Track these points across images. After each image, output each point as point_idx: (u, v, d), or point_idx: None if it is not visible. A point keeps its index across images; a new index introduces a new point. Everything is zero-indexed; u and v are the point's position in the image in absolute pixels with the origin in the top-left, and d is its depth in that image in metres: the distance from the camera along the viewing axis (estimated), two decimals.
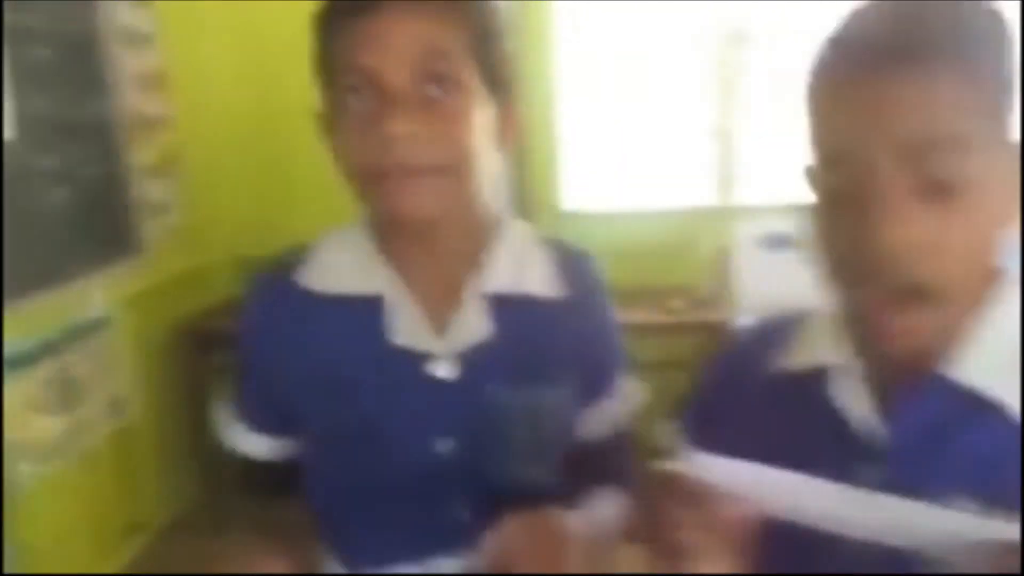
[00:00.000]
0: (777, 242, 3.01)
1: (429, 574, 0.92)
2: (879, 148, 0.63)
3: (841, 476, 0.66)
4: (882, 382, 0.72)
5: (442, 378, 0.88)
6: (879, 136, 0.63)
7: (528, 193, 2.77)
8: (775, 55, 3.21)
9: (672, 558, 0.64)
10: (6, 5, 2.26)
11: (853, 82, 0.64)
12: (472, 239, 0.92)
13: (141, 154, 2.95)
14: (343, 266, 0.92)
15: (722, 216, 3.31)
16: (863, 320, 0.68)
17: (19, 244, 2.30)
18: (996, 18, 0.66)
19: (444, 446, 0.89)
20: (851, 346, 0.74)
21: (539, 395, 0.91)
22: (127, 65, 2.86)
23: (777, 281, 2.42)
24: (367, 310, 0.89)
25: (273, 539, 0.90)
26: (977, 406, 0.68)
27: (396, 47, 0.78)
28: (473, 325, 0.89)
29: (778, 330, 0.83)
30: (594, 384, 0.97)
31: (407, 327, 0.89)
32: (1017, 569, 0.56)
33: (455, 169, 0.82)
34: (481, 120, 0.83)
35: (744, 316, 2.95)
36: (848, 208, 0.65)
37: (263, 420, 0.96)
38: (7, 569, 2.19)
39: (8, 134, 2.28)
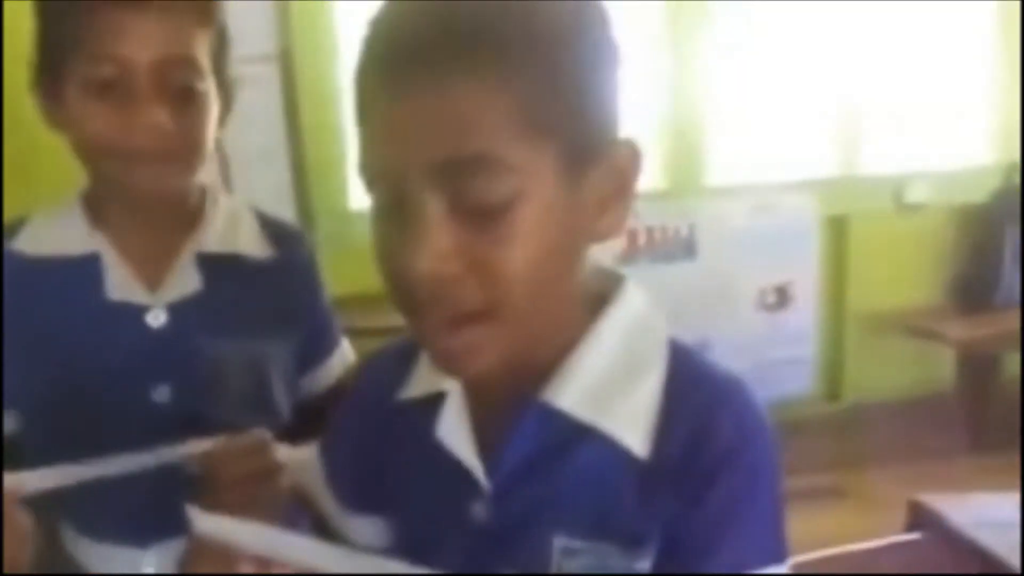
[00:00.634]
0: None
1: None
2: (407, 169, 0.57)
3: (459, 517, 0.67)
4: (488, 412, 0.68)
5: (155, 328, 0.95)
6: (405, 156, 0.57)
7: (309, 193, 2.77)
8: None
9: None
10: None
11: (376, 91, 0.58)
12: (188, 208, 1.01)
13: None
14: (60, 229, 0.98)
15: None
16: (421, 342, 0.65)
17: None
18: (567, 15, 0.59)
19: (160, 394, 0.95)
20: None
21: (248, 346, 0.99)
22: None
23: None
24: (84, 270, 0.95)
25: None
26: (577, 435, 0.65)
27: (149, 41, 0.86)
28: (184, 279, 0.97)
29: (403, 355, 0.76)
30: (311, 343, 1.08)
31: (121, 282, 0.95)
32: None
33: (188, 157, 0.93)
34: (213, 114, 0.94)
35: None
36: (391, 228, 0.60)
37: None
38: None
39: None
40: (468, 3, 0.56)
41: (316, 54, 2.66)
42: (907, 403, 3.08)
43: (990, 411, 3.01)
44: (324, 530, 0.80)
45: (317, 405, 1.08)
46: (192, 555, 0.62)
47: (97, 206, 0.99)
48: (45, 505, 0.87)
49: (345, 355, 1.14)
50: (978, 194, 3.13)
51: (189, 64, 0.89)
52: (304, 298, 1.07)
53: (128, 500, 0.93)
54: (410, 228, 0.57)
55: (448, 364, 0.64)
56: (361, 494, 0.78)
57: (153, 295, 0.96)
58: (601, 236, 0.64)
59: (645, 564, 0.63)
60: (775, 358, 3.02)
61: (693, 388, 0.66)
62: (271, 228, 1.06)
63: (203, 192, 1.03)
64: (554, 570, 0.64)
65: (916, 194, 3.11)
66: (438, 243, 0.57)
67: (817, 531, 1.26)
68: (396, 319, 0.68)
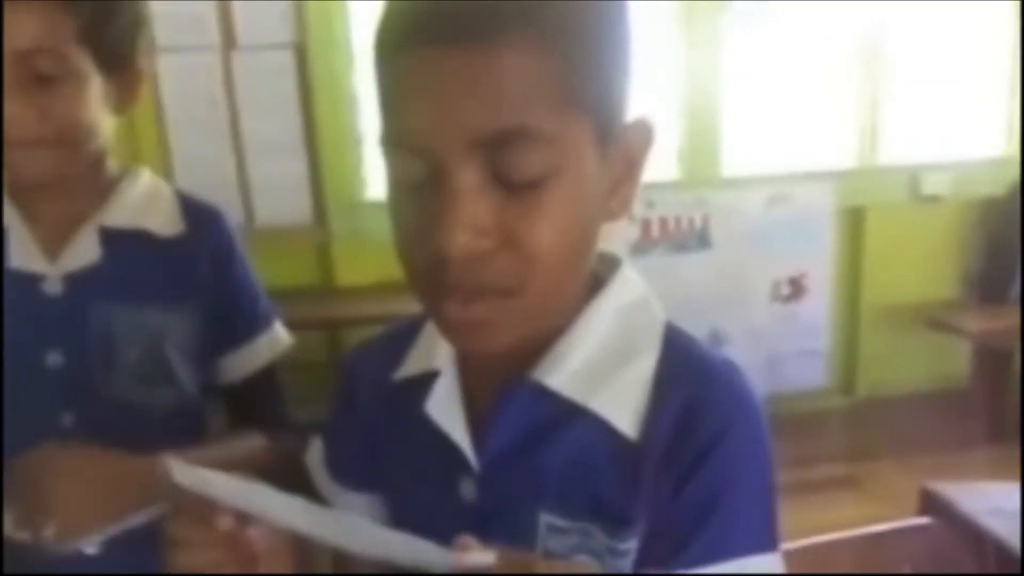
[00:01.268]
0: None
1: None
2: (447, 141, 0.56)
3: (448, 495, 0.68)
4: (480, 392, 0.68)
5: (50, 295, 0.99)
6: (445, 128, 0.56)
7: (324, 184, 2.76)
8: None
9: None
10: None
11: (415, 63, 0.57)
12: (96, 187, 1.03)
13: None
14: None
15: None
16: (433, 315, 0.63)
17: None
18: None
19: (53, 360, 0.98)
20: (450, 352, 0.70)
21: (143, 317, 1.02)
22: None
23: None
24: None
25: None
26: (567, 415, 0.65)
27: (10, 36, 0.88)
28: (83, 250, 1.01)
29: (403, 336, 0.76)
30: (229, 323, 1.08)
31: (21, 252, 0.99)
32: None
33: (64, 141, 0.93)
34: (94, 94, 0.94)
35: None
36: (417, 201, 0.58)
37: None
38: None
39: None
40: None
41: (329, 48, 2.67)
42: (922, 396, 3.08)
43: (1006, 403, 3.00)
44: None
45: (248, 387, 1.11)
46: (170, 512, 0.60)
47: (8, 185, 1.03)
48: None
49: (276, 340, 1.13)
50: (996, 187, 3.11)
51: (46, 52, 0.90)
52: (213, 275, 1.07)
53: None
54: (441, 202, 0.56)
55: (462, 338, 0.63)
56: (356, 472, 0.79)
57: (52, 265, 1.00)
58: (611, 215, 0.64)
59: (631, 545, 0.63)
60: (789, 350, 3.02)
61: (685, 372, 0.65)
62: (190, 207, 1.08)
63: (125, 171, 1.06)
64: (539, 548, 0.65)
65: (933, 186, 3.09)
66: (474, 216, 0.56)
67: (831, 521, 1.25)
68: (408, 307, 0.68)
